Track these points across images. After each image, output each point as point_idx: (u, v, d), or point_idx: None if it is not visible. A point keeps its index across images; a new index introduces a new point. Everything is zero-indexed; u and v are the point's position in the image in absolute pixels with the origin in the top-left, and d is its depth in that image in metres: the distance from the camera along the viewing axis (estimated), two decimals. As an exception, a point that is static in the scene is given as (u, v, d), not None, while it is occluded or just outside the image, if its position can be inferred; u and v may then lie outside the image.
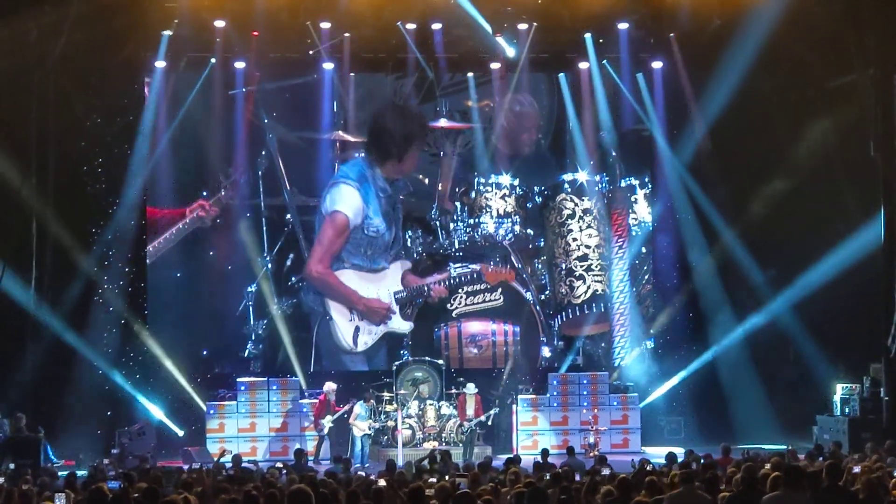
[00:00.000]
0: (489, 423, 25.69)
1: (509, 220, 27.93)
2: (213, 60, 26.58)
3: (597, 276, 28.05)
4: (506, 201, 28.06)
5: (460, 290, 27.60)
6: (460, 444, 24.54)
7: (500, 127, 28.35)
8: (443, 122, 28.13)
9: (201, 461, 21.56)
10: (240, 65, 26.74)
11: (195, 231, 27.44)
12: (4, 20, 23.60)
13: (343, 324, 27.03)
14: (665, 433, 27.18)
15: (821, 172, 25.83)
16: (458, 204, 28.09)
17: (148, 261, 26.96)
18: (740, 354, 27.34)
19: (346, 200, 26.87)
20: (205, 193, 27.43)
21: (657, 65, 27.52)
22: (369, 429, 24.72)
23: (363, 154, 27.37)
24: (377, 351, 27.41)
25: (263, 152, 27.69)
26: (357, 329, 27.05)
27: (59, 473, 19.01)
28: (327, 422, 24.92)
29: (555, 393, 26.49)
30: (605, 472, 15.04)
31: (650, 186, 28.44)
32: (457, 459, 22.48)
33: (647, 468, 16.01)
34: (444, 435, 24.91)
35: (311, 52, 26.48)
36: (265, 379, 26.23)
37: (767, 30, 24.46)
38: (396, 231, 27.48)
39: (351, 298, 26.97)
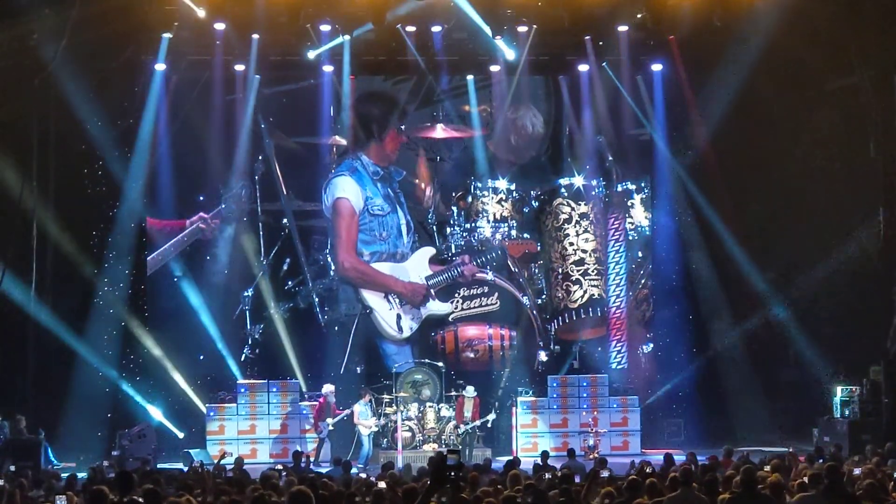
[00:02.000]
0: (489, 425, 25.75)
1: (506, 224, 27.97)
2: (213, 63, 26.58)
3: (593, 280, 28.05)
4: (502, 206, 28.10)
5: (460, 292, 27.69)
6: (458, 447, 24.53)
7: (501, 135, 28.35)
8: (439, 131, 28.17)
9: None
10: (239, 67, 26.74)
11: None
12: (5, 23, 23.61)
13: (384, 313, 27.33)
14: (665, 435, 27.20)
15: (821, 174, 25.84)
16: (454, 208, 28.10)
17: (148, 272, 26.95)
18: (740, 357, 27.37)
19: (342, 187, 27.25)
20: (201, 198, 27.42)
21: (657, 67, 27.53)
22: (375, 425, 24.80)
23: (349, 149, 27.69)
24: (418, 340, 27.62)
25: (260, 157, 27.70)
26: (398, 316, 27.29)
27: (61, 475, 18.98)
28: (327, 424, 24.94)
29: (554, 395, 26.51)
30: (605, 474, 15.01)
31: (647, 191, 28.44)
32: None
33: (647, 470, 16.01)
34: (443, 437, 24.93)
35: (310, 56, 26.47)
36: (265, 381, 26.27)
37: (767, 31, 24.46)
38: (405, 216, 27.69)
39: (388, 283, 27.33)
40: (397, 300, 27.36)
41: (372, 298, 27.32)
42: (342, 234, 27.16)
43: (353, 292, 27.44)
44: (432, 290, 27.46)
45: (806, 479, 13.01)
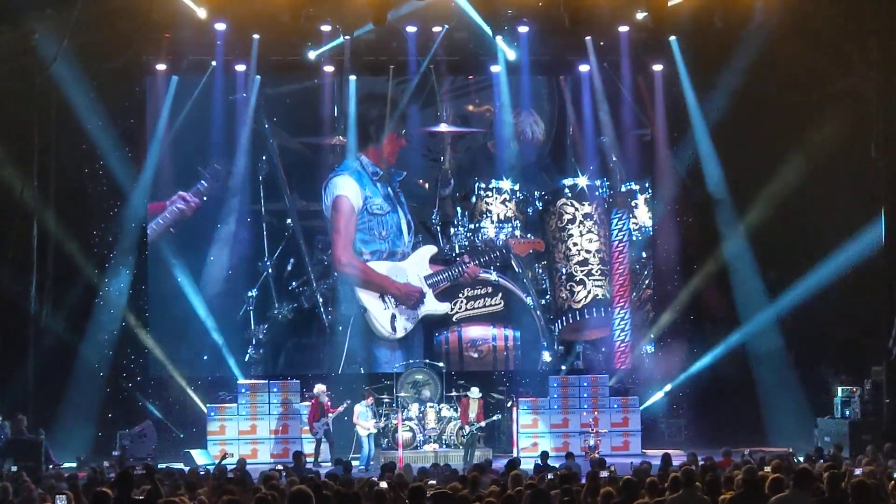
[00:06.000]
0: (493, 425, 25.80)
1: (509, 224, 27.96)
2: (213, 63, 26.62)
3: (597, 280, 28.07)
4: (506, 206, 28.09)
5: (464, 292, 27.68)
6: (461, 447, 24.55)
7: (502, 138, 28.36)
8: (443, 127, 28.16)
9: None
10: (240, 67, 26.74)
11: (195, 233, 27.40)
12: (6, 23, 23.63)
13: (379, 313, 27.28)
14: (665, 436, 27.21)
15: (822, 175, 25.80)
16: (458, 209, 28.09)
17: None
18: (741, 357, 27.35)
19: (342, 186, 27.26)
20: (204, 199, 27.39)
21: (658, 67, 27.53)
22: (374, 427, 24.76)
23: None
24: (412, 341, 27.62)
25: (264, 157, 27.69)
26: (393, 316, 27.30)
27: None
28: (321, 424, 24.91)
29: (555, 395, 26.48)
30: (604, 474, 15.01)
31: (650, 191, 28.43)
32: (457, 462, 22.54)
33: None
34: (444, 437, 24.93)
35: (310, 56, 26.47)
36: (266, 381, 26.28)
37: (769, 32, 24.45)
38: (406, 215, 27.65)
39: (384, 284, 27.30)
40: (392, 300, 27.34)
41: (367, 298, 27.28)
42: (341, 231, 27.16)
43: (351, 292, 27.38)
44: (430, 291, 27.40)
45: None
